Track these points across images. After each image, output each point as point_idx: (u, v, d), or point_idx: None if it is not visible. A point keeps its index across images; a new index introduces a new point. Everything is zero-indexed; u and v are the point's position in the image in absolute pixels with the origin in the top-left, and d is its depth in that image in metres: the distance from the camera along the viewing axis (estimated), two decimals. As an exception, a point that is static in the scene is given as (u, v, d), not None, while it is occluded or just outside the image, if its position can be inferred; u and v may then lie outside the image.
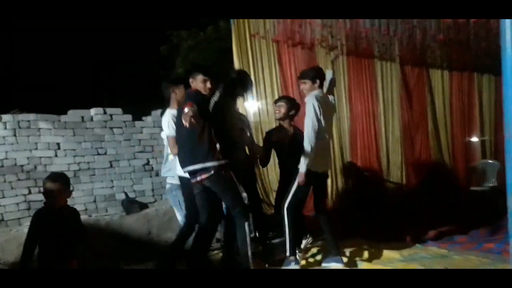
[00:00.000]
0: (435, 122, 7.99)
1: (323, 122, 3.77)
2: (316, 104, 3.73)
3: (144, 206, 5.81)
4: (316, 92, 3.88)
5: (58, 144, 5.47)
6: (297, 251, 4.00)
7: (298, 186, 3.80)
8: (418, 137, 7.66)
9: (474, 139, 8.51)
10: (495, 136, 8.68)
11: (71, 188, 3.20)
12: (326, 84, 4.06)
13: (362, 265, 3.97)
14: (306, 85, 3.93)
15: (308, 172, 3.71)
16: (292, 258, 3.74)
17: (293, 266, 3.72)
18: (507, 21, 1.64)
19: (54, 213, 3.04)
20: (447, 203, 6.73)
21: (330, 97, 4.09)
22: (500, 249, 4.23)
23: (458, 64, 8.12)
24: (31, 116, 5.36)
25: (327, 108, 3.86)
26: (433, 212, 6.23)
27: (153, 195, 5.98)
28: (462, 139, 8.33)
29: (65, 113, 5.60)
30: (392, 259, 4.13)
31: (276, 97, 6.11)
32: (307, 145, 3.68)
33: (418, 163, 7.51)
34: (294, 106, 4.40)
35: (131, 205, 5.65)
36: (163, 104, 5.62)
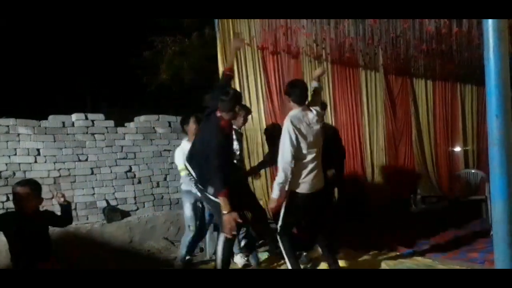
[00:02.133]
0: (419, 131, 8.08)
1: (302, 142, 3.59)
2: (289, 127, 3.57)
3: (126, 214, 5.71)
4: (292, 112, 3.71)
5: (38, 150, 5.35)
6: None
7: (286, 210, 3.66)
8: (402, 146, 7.73)
9: (457, 148, 8.61)
10: (477, 146, 8.80)
11: (41, 195, 3.18)
12: (309, 95, 3.90)
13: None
14: (288, 102, 3.84)
15: (295, 194, 3.62)
16: None
17: None
18: (490, 21, 1.64)
19: (22, 219, 3.02)
20: (429, 211, 6.79)
21: (313, 110, 3.79)
22: (483, 259, 4.26)
23: (442, 74, 8.23)
24: (10, 121, 5.24)
25: (308, 126, 3.67)
26: (417, 221, 6.27)
27: (135, 203, 5.88)
28: (445, 148, 8.42)
29: (45, 118, 5.48)
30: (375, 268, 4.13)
31: (261, 104, 6.11)
32: (279, 170, 3.58)
33: (402, 172, 7.56)
34: None
35: (113, 213, 5.55)
36: (146, 110, 5.55)
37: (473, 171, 7.53)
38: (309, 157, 3.65)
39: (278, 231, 3.70)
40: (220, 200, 3.38)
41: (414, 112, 8.05)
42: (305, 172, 3.64)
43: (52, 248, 3.22)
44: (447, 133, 8.52)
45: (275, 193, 3.59)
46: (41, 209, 3.28)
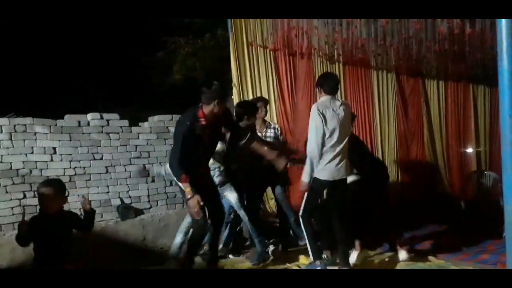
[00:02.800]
0: (431, 132, 8.05)
1: (328, 129, 3.78)
2: (315, 113, 3.78)
3: (139, 212, 5.79)
4: (320, 100, 3.94)
5: (54, 148, 5.44)
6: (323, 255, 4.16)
7: (309, 194, 3.91)
8: (414, 147, 7.71)
9: (470, 149, 8.56)
10: (490, 147, 8.74)
11: (66, 194, 3.22)
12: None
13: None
14: (320, 93, 4.04)
15: (316, 180, 3.82)
16: (317, 262, 3.88)
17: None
18: (503, 21, 1.66)
19: (48, 219, 3.06)
20: (442, 212, 6.76)
21: (341, 100, 4.09)
22: (494, 261, 4.25)
23: (454, 75, 8.20)
24: (27, 120, 5.34)
25: (334, 112, 3.84)
26: (429, 222, 6.25)
27: (149, 201, 5.95)
28: (457, 148, 8.38)
29: (61, 117, 5.58)
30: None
31: (273, 105, 6.15)
32: (308, 154, 3.81)
33: (414, 172, 7.54)
34: None
35: (127, 211, 5.62)
36: (160, 110, 5.62)
37: (485, 172, 7.49)
38: (331, 143, 3.81)
39: (300, 214, 3.95)
40: (182, 186, 3.56)
41: (426, 113, 8.02)
42: (326, 158, 3.80)
43: (74, 250, 3.24)
44: (459, 134, 8.48)
45: (304, 177, 3.84)
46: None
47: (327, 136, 3.78)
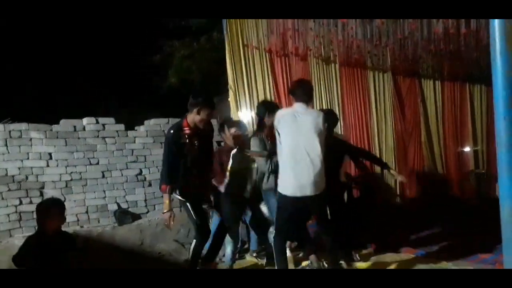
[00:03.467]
0: (428, 132, 8.05)
1: (285, 143, 3.54)
2: (276, 124, 3.64)
3: (136, 216, 5.76)
4: (280, 112, 3.77)
5: (50, 154, 5.42)
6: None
7: (277, 211, 3.68)
8: (411, 147, 7.71)
9: (467, 148, 8.56)
10: (487, 146, 8.74)
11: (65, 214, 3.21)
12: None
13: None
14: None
15: (280, 195, 3.59)
16: None
17: None
18: (496, 21, 1.64)
19: (47, 238, 3.02)
20: (440, 212, 6.75)
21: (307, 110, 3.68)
22: (494, 260, 4.24)
23: (450, 74, 8.21)
24: (23, 126, 5.32)
25: (295, 126, 3.55)
26: (428, 222, 6.24)
27: (146, 206, 5.94)
28: (454, 148, 8.38)
29: (57, 122, 5.56)
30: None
31: (269, 107, 6.13)
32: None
33: (412, 172, 7.54)
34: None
35: (124, 215, 5.61)
36: (155, 114, 5.61)
37: (483, 171, 7.50)
38: (290, 158, 3.52)
39: (273, 233, 3.79)
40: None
41: (423, 113, 8.03)
42: (287, 173, 3.54)
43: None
44: (456, 133, 8.48)
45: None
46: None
47: (284, 150, 3.54)
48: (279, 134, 3.58)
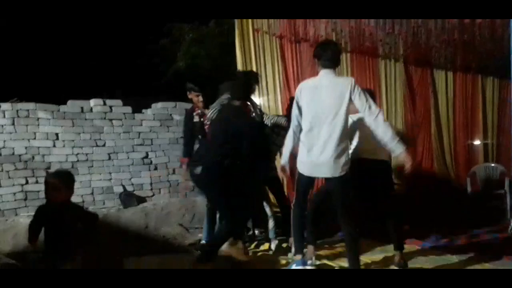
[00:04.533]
0: (438, 123, 7.94)
1: (305, 115, 3.33)
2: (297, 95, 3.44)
3: (142, 199, 5.76)
4: (306, 80, 3.61)
5: (56, 134, 5.41)
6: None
7: (295, 185, 3.59)
8: (421, 138, 7.61)
9: (477, 141, 8.45)
10: (497, 139, 8.62)
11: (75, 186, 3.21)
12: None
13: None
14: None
15: (297, 171, 3.49)
16: (297, 257, 3.57)
17: (293, 266, 3.59)
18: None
19: (56, 209, 3.04)
20: (448, 205, 6.69)
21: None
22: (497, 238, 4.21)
23: (463, 65, 8.06)
24: (30, 105, 5.30)
25: (317, 96, 3.28)
26: (435, 215, 6.19)
27: (151, 189, 5.92)
28: (464, 141, 8.27)
29: (64, 103, 5.54)
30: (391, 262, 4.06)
31: (279, 92, 6.07)
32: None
33: (421, 164, 7.46)
34: None
35: (129, 198, 5.60)
36: (163, 97, 5.58)
37: (492, 165, 7.40)
38: (306, 133, 3.31)
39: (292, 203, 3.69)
40: None
41: (433, 104, 7.91)
42: (301, 150, 3.37)
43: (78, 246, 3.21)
44: (467, 125, 8.36)
45: (281, 159, 3.66)
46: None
47: (303, 124, 3.30)
48: (299, 107, 3.33)
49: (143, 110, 6.05)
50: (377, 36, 6.54)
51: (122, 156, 5.76)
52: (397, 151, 3.20)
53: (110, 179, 5.68)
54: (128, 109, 5.88)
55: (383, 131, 3.18)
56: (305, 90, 3.33)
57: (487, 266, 3.88)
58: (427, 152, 7.67)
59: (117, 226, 5.18)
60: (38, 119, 5.31)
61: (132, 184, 5.81)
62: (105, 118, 5.69)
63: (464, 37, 6.66)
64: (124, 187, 5.73)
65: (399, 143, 3.17)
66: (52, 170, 5.19)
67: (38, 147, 5.29)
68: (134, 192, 5.77)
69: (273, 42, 6.08)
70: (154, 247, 4.87)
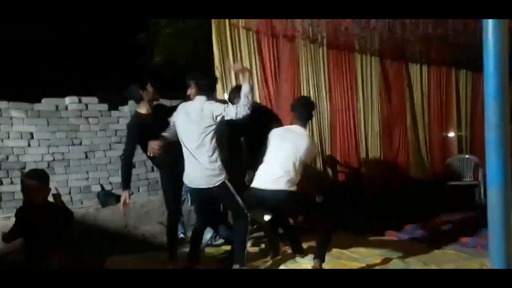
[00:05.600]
0: (414, 116, 8.06)
1: (180, 134, 3.74)
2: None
3: (120, 198, 5.69)
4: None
5: (31, 133, 5.31)
6: None
7: None
8: (397, 130, 7.72)
9: (451, 133, 8.62)
10: (471, 131, 8.81)
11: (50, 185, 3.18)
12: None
13: (335, 263, 3.93)
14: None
15: None
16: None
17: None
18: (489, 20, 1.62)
19: (36, 210, 3.02)
20: (424, 197, 6.84)
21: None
22: (475, 243, 4.31)
23: (437, 59, 8.20)
24: (3, 104, 5.20)
25: (185, 116, 3.75)
26: (411, 206, 6.31)
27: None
28: (439, 133, 8.43)
29: (38, 101, 5.43)
30: (370, 254, 4.13)
31: (256, 88, 6.07)
32: None
33: (397, 157, 7.58)
34: None
35: (107, 197, 5.55)
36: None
37: (466, 156, 7.57)
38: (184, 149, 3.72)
39: None
40: None
41: (408, 98, 8.02)
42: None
43: (61, 243, 3.18)
44: (441, 118, 8.52)
45: None
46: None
47: (182, 140, 3.71)
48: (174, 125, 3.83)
49: (120, 107, 5.98)
50: (353, 31, 6.59)
51: (99, 154, 5.70)
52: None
53: (88, 178, 5.62)
54: (105, 106, 5.81)
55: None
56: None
57: (463, 256, 3.98)
58: (403, 144, 7.79)
59: (96, 226, 5.13)
60: (11, 118, 5.22)
61: (110, 183, 5.76)
62: (81, 116, 5.62)
63: (438, 31, 6.77)
64: (102, 186, 5.67)
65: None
66: (27, 170, 5.10)
67: (12, 147, 5.20)
68: (113, 191, 5.71)
69: (250, 37, 6.06)
70: (134, 245, 4.85)
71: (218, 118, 3.58)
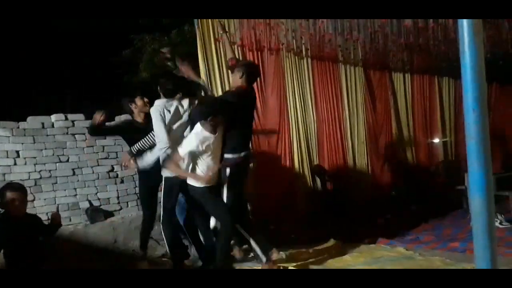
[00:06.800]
0: (399, 124, 8.18)
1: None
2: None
3: (109, 214, 5.67)
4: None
5: (17, 152, 5.27)
6: None
7: None
8: (383, 139, 7.82)
9: (436, 140, 8.75)
10: (455, 137, 8.96)
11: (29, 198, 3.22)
12: None
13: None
14: None
15: None
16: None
17: None
18: (464, 21, 1.67)
19: (14, 222, 3.02)
20: (412, 203, 6.91)
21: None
22: (464, 248, 4.36)
23: (419, 67, 8.36)
24: (-12, 123, 5.15)
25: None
26: (398, 213, 6.38)
27: (119, 203, 5.85)
28: (424, 140, 8.56)
29: (24, 119, 5.40)
30: (355, 262, 4.17)
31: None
32: None
33: (383, 164, 7.66)
34: None
35: (96, 213, 5.51)
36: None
37: (452, 161, 7.69)
38: None
39: None
40: None
41: (393, 106, 8.15)
42: None
43: (45, 254, 3.19)
44: (426, 125, 8.66)
45: None
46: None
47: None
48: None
49: (107, 123, 5.96)
50: (336, 42, 6.69)
51: (86, 170, 5.67)
52: None
53: (76, 194, 5.58)
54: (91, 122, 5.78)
55: None
56: None
57: (448, 262, 4.03)
58: (389, 152, 7.88)
59: (85, 242, 5.09)
60: (-4, 137, 5.17)
61: (99, 199, 5.72)
62: (67, 133, 5.60)
63: (419, 40, 6.91)
64: (90, 202, 5.64)
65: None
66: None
67: (-2, 166, 5.14)
68: (101, 207, 5.68)
69: (235, 51, 6.11)
70: (123, 261, 4.81)
71: None
